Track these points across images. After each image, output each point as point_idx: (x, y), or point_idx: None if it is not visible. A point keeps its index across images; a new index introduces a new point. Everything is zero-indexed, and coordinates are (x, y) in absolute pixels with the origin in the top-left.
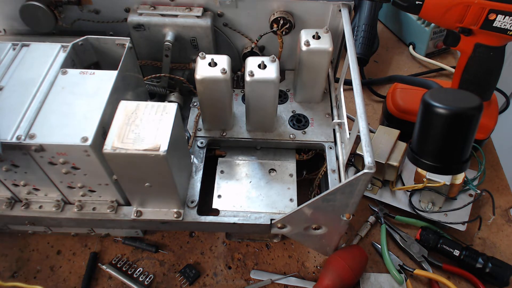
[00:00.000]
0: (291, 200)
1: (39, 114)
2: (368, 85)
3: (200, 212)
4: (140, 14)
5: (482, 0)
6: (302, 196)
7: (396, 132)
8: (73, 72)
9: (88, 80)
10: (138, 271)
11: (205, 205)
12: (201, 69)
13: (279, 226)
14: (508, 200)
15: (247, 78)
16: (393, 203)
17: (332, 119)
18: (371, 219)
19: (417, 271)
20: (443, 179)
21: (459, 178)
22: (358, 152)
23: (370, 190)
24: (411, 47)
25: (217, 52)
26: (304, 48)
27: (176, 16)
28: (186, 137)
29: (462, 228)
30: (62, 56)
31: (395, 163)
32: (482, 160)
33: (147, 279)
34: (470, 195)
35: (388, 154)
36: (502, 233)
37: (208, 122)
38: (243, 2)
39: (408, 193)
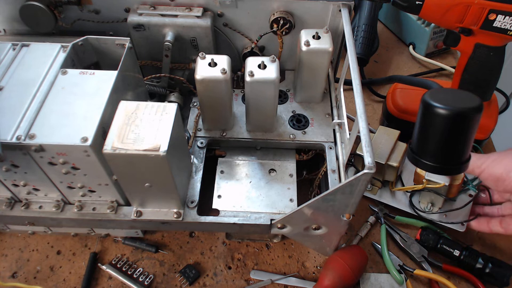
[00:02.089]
0: (291, 200)
1: (39, 114)
2: (368, 85)
3: (200, 212)
4: (140, 14)
5: (482, 0)
6: (302, 196)
7: (396, 133)
8: (73, 72)
9: (88, 80)
10: (138, 271)
11: (205, 205)
12: (201, 69)
13: (279, 226)
14: None
15: (247, 78)
16: (392, 204)
17: (332, 119)
18: (371, 219)
19: (417, 271)
20: (443, 180)
21: (459, 178)
22: (358, 152)
23: (369, 191)
24: (411, 47)
25: (217, 52)
26: (304, 48)
27: (176, 16)
28: (186, 137)
29: (461, 228)
30: (62, 56)
31: (395, 164)
32: None
33: (147, 279)
34: (470, 196)
35: (388, 154)
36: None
37: (208, 122)
38: (243, 2)
39: (408, 193)
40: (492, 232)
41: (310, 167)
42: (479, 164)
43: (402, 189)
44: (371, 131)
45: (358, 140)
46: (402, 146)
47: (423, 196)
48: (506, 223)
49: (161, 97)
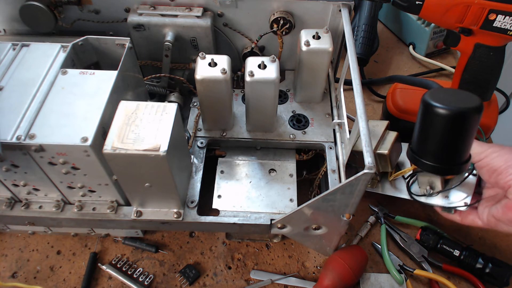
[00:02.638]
0: (291, 200)
1: (39, 114)
2: (368, 85)
3: (200, 212)
4: (140, 14)
5: (482, 0)
6: (302, 196)
7: (384, 123)
8: (73, 72)
9: (88, 80)
10: (138, 271)
11: (205, 205)
12: (201, 69)
13: (279, 226)
14: None
15: (247, 78)
16: (394, 194)
17: (332, 119)
18: (371, 219)
19: (417, 271)
20: None
21: None
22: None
23: (369, 185)
24: (411, 47)
25: (217, 52)
26: (304, 48)
27: (176, 16)
28: (186, 137)
29: (464, 209)
30: (62, 56)
31: (385, 152)
32: None
33: (147, 279)
34: (474, 175)
35: (376, 144)
36: (502, 233)
37: (208, 122)
38: (243, 2)
39: (406, 180)
40: (450, 218)
41: (310, 167)
42: (479, 152)
43: (396, 175)
44: None
45: None
46: (392, 134)
47: (420, 180)
48: (465, 213)
49: (161, 97)
